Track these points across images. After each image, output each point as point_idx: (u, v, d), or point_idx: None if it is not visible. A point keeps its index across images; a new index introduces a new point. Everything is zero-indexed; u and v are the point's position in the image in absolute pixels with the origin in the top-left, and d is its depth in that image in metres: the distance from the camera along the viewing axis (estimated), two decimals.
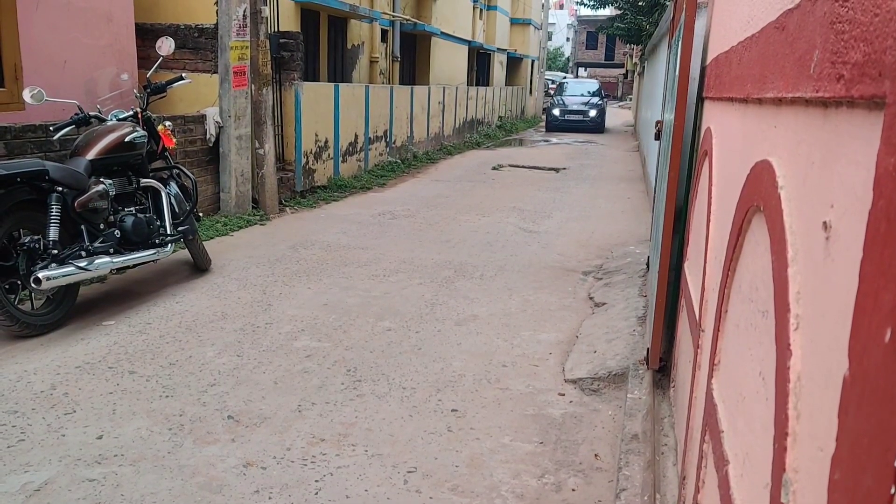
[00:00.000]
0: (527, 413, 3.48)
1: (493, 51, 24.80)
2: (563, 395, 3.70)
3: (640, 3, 21.80)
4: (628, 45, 30.29)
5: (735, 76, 1.97)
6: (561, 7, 68.88)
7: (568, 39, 68.92)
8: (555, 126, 24.31)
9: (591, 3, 24.68)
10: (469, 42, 21.23)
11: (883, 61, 0.67)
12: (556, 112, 24.42)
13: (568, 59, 64.63)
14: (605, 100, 25.85)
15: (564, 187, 11.10)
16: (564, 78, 32.48)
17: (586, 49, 60.64)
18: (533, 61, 32.61)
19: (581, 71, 61.83)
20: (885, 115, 0.65)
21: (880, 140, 0.66)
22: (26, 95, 4.74)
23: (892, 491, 0.53)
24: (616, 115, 34.29)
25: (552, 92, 27.25)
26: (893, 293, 0.58)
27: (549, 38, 58.69)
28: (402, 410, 3.45)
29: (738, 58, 1.93)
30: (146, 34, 7.55)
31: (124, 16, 7.07)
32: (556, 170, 13.38)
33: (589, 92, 25.61)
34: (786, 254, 1.04)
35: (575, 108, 24.05)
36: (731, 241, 1.67)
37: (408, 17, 15.73)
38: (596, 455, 3.10)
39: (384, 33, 14.90)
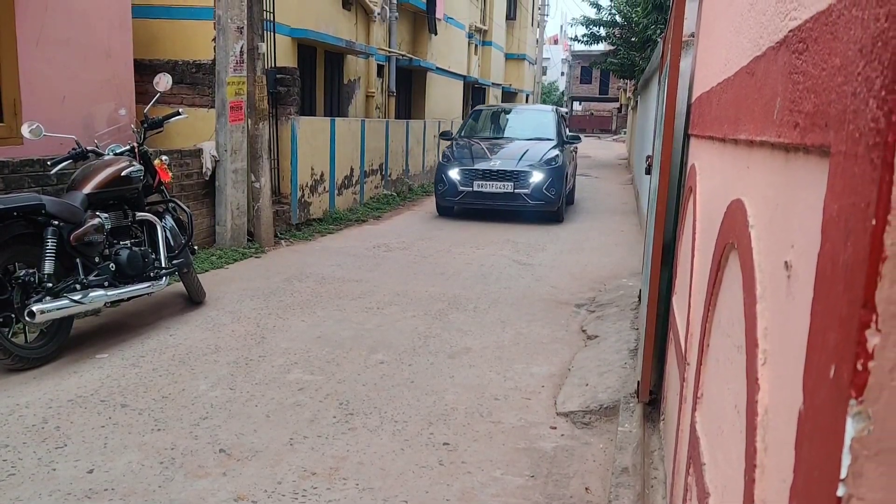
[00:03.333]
0: (518, 446, 3.49)
1: (489, 85, 25.08)
2: (555, 428, 3.71)
3: (632, 40, 22.14)
4: (622, 79, 30.67)
5: (715, 116, 2.03)
6: (556, 42, 69.84)
7: (563, 74, 69.73)
8: (449, 206, 11.01)
9: (585, 39, 25.04)
10: (464, 77, 21.50)
11: (828, 113, 0.72)
12: (453, 174, 10.62)
13: (563, 93, 65.32)
14: (569, 147, 11.91)
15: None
16: (480, 107, 14.11)
17: (581, 83, 61.29)
18: (528, 95, 32.98)
19: (576, 105, 62.45)
20: (830, 164, 0.70)
21: (826, 187, 0.71)
22: (25, 131, 4.80)
23: (841, 493, 0.56)
24: (610, 149, 34.59)
25: (448, 133, 12.61)
26: (837, 332, 0.62)
27: (544, 73, 59.35)
28: (394, 444, 3.45)
29: (718, 98, 1.99)
30: (144, 69, 7.65)
31: (123, 52, 7.18)
32: None
33: (534, 132, 11.84)
34: (755, 291, 1.08)
35: (498, 168, 10.51)
36: (711, 277, 1.71)
37: (403, 53, 15.93)
38: (587, 488, 3.11)
39: (380, 68, 15.08)
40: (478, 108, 13.75)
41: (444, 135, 12.41)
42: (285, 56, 10.11)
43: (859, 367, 0.55)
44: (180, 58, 8.05)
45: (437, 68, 18.10)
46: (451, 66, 19.85)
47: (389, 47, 15.18)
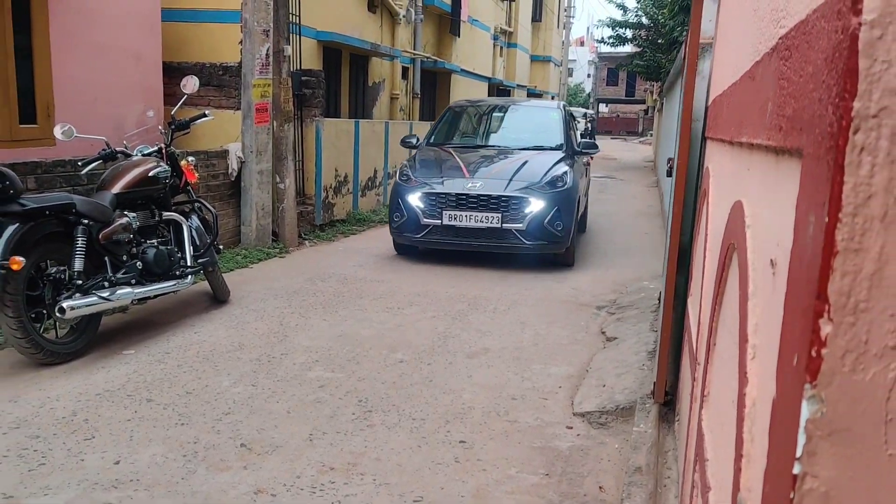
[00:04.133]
0: (534, 445, 3.53)
1: (513, 87, 25.10)
2: (571, 428, 3.75)
3: (659, 41, 22.05)
4: (648, 81, 30.52)
5: (725, 119, 2.06)
6: (581, 44, 69.59)
7: (589, 76, 69.45)
8: (408, 243, 7.74)
9: (611, 40, 24.97)
10: (489, 79, 21.54)
11: (802, 117, 0.76)
12: (413, 201, 7.36)
13: (589, 94, 65.08)
14: (581, 160, 8.69)
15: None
16: (459, 102, 9.95)
17: (607, 85, 61.07)
18: (553, 97, 32.93)
19: (602, 107, 62.17)
20: (802, 166, 0.74)
21: (799, 187, 0.75)
22: (57, 132, 4.93)
23: (792, 496, 0.60)
24: (636, 151, 34.41)
25: (409, 140, 8.73)
26: (800, 322, 0.66)
27: (570, 75, 59.17)
28: (411, 441, 3.51)
29: (728, 101, 2.02)
30: (173, 72, 7.80)
31: (153, 55, 7.33)
32: None
33: (533, 137, 8.48)
34: (747, 288, 1.12)
35: (479, 192, 7.17)
36: (718, 276, 1.75)
37: (428, 55, 16.02)
38: (601, 487, 3.14)
39: (405, 70, 15.19)
40: (456, 103, 9.77)
41: (406, 141, 8.58)
42: (311, 58, 10.23)
43: (814, 353, 0.59)
44: (208, 60, 8.20)
45: (462, 70, 18.17)
46: (476, 68, 19.91)
47: (414, 49, 15.28)
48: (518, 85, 25.71)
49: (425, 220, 7.25)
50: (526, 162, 7.60)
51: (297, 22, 9.08)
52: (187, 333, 5.00)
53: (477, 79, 20.07)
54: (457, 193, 7.17)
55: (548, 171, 7.39)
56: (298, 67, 9.19)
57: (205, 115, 5.73)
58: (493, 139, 8.82)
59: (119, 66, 6.84)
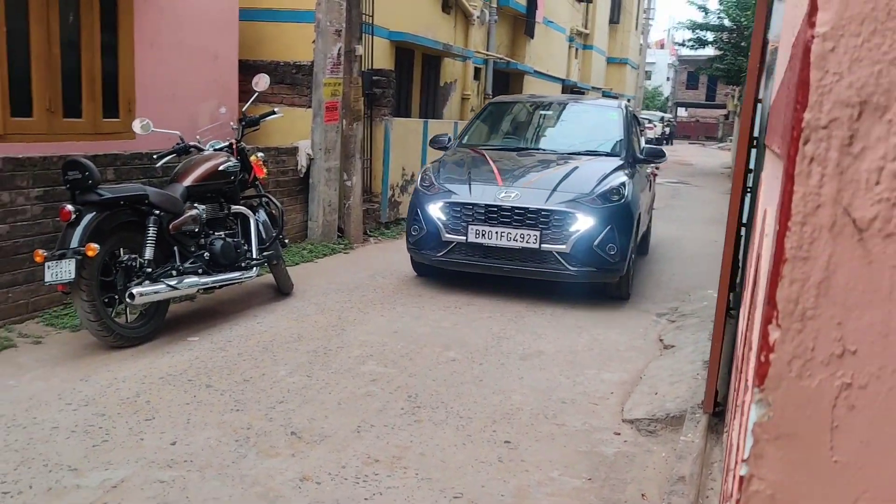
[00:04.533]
0: (579, 449, 3.51)
1: (588, 89, 24.83)
2: (619, 434, 3.72)
3: (741, 44, 21.46)
4: (729, 85, 29.72)
5: (772, 126, 2.03)
6: (662, 46, 68.27)
7: (668, 79, 68.07)
8: (427, 262, 6.48)
9: (692, 43, 24.44)
10: (563, 80, 21.39)
11: (778, 128, 0.76)
12: (434, 212, 6.20)
13: (667, 98, 63.78)
14: (643, 169, 7.41)
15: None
16: (499, 98, 8.97)
17: (686, 89, 59.73)
18: (629, 100, 32.43)
19: (681, 111, 60.84)
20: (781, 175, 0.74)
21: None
22: (136, 126, 5.17)
23: (738, 497, 0.61)
24: (714, 157, 33.55)
25: (441, 139, 7.42)
26: (755, 328, 0.67)
27: (649, 78, 58.11)
28: (457, 438, 3.55)
29: (775, 108, 1.99)
30: (248, 69, 8.05)
31: (230, 53, 7.59)
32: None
33: (585, 141, 7.18)
34: (756, 298, 1.12)
35: (513, 204, 5.95)
36: (751, 287, 1.72)
37: (501, 56, 16.02)
38: (643, 495, 3.11)
39: (477, 71, 15.23)
40: (495, 99, 8.70)
41: (436, 141, 7.38)
42: (383, 58, 10.38)
43: (762, 358, 0.60)
44: (282, 59, 8.43)
45: (535, 71, 18.09)
46: (550, 70, 19.79)
47: (487, 50, 15.30)
48: (592, 87, 25.42)
49: (447, 235, 6.05)
50: (575, 169, 6.38)
51: (371, 22, 9.23)
52: (250, 323, 5.17)
53: (550, 80, 19.95)
54: (486, 205, 5.96)
55: (601, 182, 6.09)
56: (370, 67, 9.35)
57: (274, 113, 5.90)
58: (538, 141, 7.50)
59: (197, 63, 7.11)
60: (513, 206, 5.90)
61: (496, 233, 5.92)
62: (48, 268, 4.06)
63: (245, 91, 7.59)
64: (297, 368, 4.34)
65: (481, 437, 3.59)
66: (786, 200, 0.58)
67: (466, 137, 7.52)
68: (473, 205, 6.03)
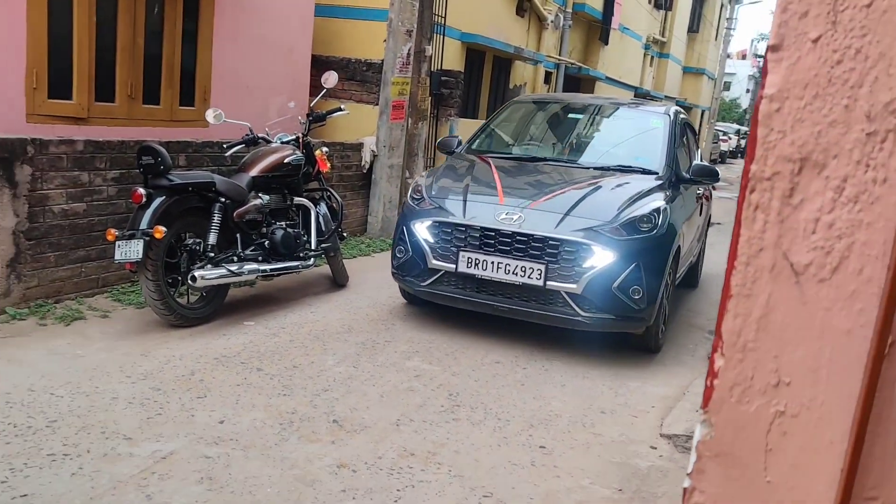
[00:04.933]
0: (613, 460, 3.54)
1: (661, 98, 24.48)
2: (655, 448, 3.72)
3: None
4: None
5: None
6: (743, 57, 66.62)
7: (748, 91, 66.39)
8: (411, 291, 5.44)
9: None
10: (636, 88, 21.15)
11: None
12: (420, 232, 5.11)
13: (745, 111, 62.19)
14: (692, 192, 6.11)
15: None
16: (523, 97, 8.50)
17: None
18: (704, 111, 31.80)
19: None
20: None
21: None
22: (209, 116, 5.40)
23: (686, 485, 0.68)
24: None
25: (450, 142, 6.23)
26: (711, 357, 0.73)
27: (727, 89, 56.78)
28: (492, 439, 3.62)
29: None
30: (321, 65, 8.27)
31: (304, 49, 7.81)
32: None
33: (618, 154, 5.95)
34: None
35: (514, 229, 4.83)
36: None
37: (573, 62, 15.96)
38: None
39: (548, 75, 15.22)
40: (520, 97, 7.86)
41: (444, 144, 6.29)
42: (453, 59, 10.50)
43: (708, 383, 0.66)
44: (353, 56, 8.63)
45: (607, 78, 17.95)
46: (622, 77, 19.60)
47: (560, 55, 15.27)
48: (666, 96, 25.04)
49: (435, 261, 4.98)
50: (597, 189, 5.19)
51: (443, 23, 9.35)
52: (304, 312, 5.34)
53: (622, 87, 19.76)
54: (482, 227, 4.87)
55: (628, 206, 4.90)
56: (440, 67, 9.48)
57: (341, 110, 6.06)
58: (561, 151, 6.25)
59: (272, 57, 7.35)
60: (514, 232, 4.79)
61: (492, 263, 4.82)
62: (118, 247, 4.30)
63: (316, 86, 7.81)
64: (345, 359, 4.48)
65: (517, 440, 3.65)
66: (734, 242, 0.64)
67: (477, 142, 6.35)
68: (467, 226, 4.93)
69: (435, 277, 5.05)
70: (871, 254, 0.61)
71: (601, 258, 4.67)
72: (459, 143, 6.25)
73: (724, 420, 0.65)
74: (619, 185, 5.29)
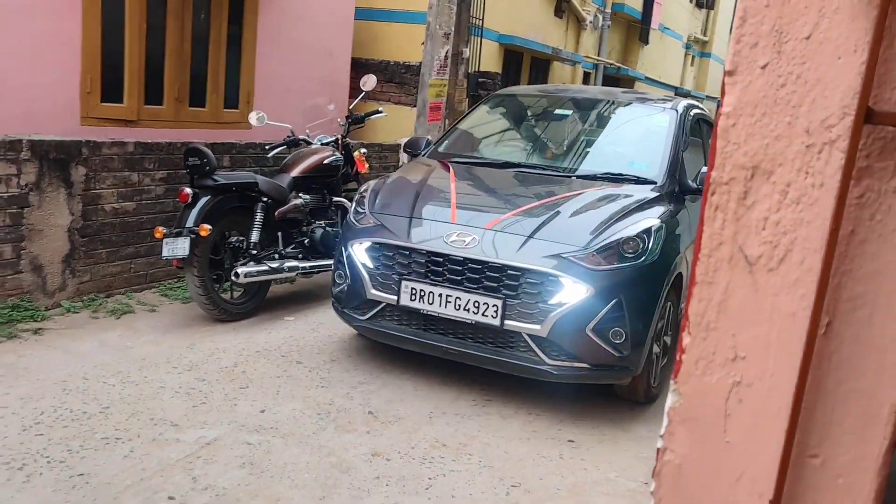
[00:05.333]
0: (641, 455, 3.62)
1: (703, 98, 24.24)
2: None
3: None
4: None
5: None
6: None
7: None
8: (351, 326, 4.48)
9: None
10: (676, 88, 21.00)
11: None
12: (358, 253, 4.23)
13: None
14: (697, 204, 4.52)
15: None
16: (508, 90, 6.49)
17: None
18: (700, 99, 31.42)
19: None
20: None
21: None
22: (252, 118, 5.60)
23: (655, 465, 0.79)
24: None
25: (416, 143, 5.43)
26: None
27: None
28: (522, 433, 3.72)
29: None
30: (360, 67, 8.45)
31: (343, 52, 8.00)
32: None
33: (612, 159, 4.96)
34: None
35: (463, 254, 3.92)
36: None
37: (612, 62, 15.94)
38: None
39: (586, 75, 15.24)
40: (505, 90, 6.54)
41: (411, 145, 5.51)
42: (491, 60, 10.61)
43: (678, 357, 0.77)
44: (392, 59, 8.79)
45: (646, 78, 17.88)
46: (662, 77, 19.49)
47: (598, 55, 15.28)
48: (707, 96, 24.79)
49: (374, 291, 4.12)
50: (574, 203, 4.25)
51: (480, 25, 9.47)
52: None
53: (662, 87, 19.65)
54: (428, 252, 4.02)
55: (610, 225, 3.98)
56: (477, 69, 9.60)
57: (379, 112, 6.22)
58: (539, 154, 5.24)
59: (312, 61, 7.55)
60: (465, 258, 3.92)
61: (439, 296, 3.94)
62: (166, 244, 4.50)
63: (355, 88, 8.00)
64: (383, 353, 4.62)
65: (546, 433, 3.75)
66: (698, 238, 0.75)
67: (447, 143, 5.39)
68: (410, 250, 4.07)
69: (375, 311, 4.17)
70: (811, 247, 0.72)
71: (572, 293, 3.75)
72: (428, 143, 5.41)
73: (690, 389, 0.76)
74: (602, 199, 4.31)
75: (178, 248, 4.51)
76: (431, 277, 4.00)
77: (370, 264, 4.18)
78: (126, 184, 5.09)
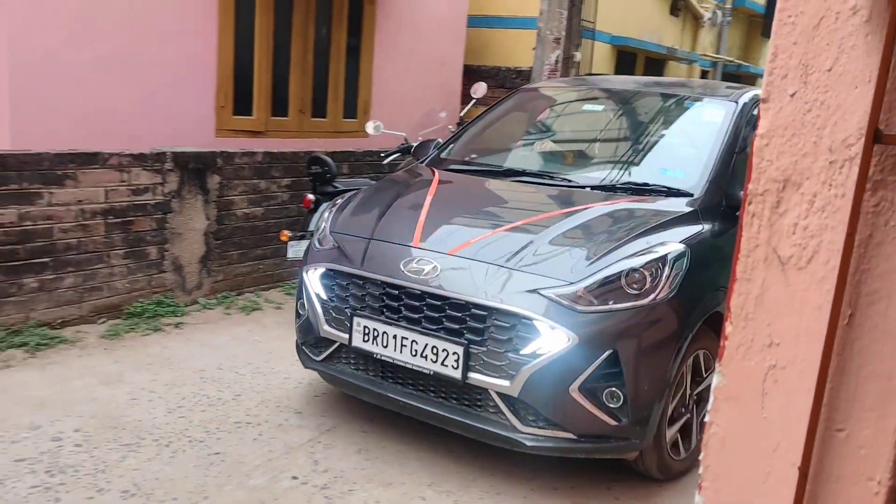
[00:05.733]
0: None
1: None
2: None
3: None
4: None
5: None
6: None
7: None
8: (308, 366, 3.68)
9: None
10: None
11: None
12: (314, 281, 3.51)
13: None
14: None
15: None
16: (553, 86, 5.41)
17: None
18: None
19: None
20: None
21: None
22: (369, 128, 5.91)
23: (702, 436, 0.91)
24: None
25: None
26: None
27: None
28: None
29: None
30: (472, 74, 8.68)
31: (456, 60, 8.25)
32: None
33: (641, 167, 3.90)
34: None
35: (421, 287, 3.13)
36: None
37: (731, 59, 15.49)
38: None
39: (704, 74, 14.88)
40: (539, 84, 5.79)
41: (419, 151, 4.84)
42: (603, 62, 10.61)
43: (722, 344, 0.90)
44: (503, 64, 8.97)
45: None
46: None
47: (717, 52, 14.89)
48: None
49: (327, 327, 3.45)
50: (570, 222, 3.41)
51: (592, 28, 9.50)
52: None
53: None
54: (383, 282, 3.29)
55: (611, 251, 3.10)
56: (589, 71, 9.62)
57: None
58: (554, 161, 4.46)
59: (426, 70, 7.84)
60: (423, 291, 3.16)
61: (393, 338, 3.20)
62: (290, 246, 4.86)
63: (467, 94, 8.22)
64: None
65: None
66: (738, 240, 0.87)
67: (452, 147, 4.55)
68: (364, 279, 3.36)
69: (329, 351, 3.51)
70: (835, 249, 0.84)
71: (551, 341, 2.90)
72: (437, 146, 4.66)
73: (732, 371, 0.89)
74: (609, 217, 3.46)
75: (301, 250, 4.85)
76: (386, 314, 3.26)
77: (323, 295, 3.48)
78: (255, 191, 5.51)
